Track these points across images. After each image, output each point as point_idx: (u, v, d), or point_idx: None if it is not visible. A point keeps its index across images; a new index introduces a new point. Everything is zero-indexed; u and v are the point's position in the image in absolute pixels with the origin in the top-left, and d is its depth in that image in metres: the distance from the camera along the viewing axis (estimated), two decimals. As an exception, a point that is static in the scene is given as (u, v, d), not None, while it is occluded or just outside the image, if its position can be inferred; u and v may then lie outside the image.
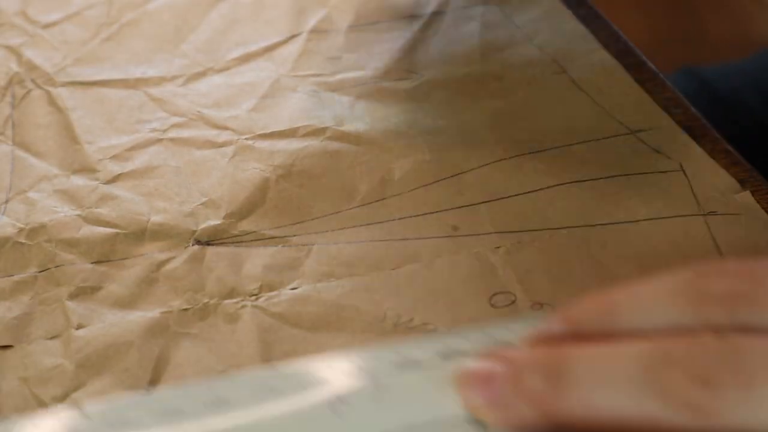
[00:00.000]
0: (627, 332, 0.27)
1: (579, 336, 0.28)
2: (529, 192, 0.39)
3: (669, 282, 0.27)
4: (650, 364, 0.26)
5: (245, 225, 0.38)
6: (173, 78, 0.46)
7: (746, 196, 0.38)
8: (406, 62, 0.47)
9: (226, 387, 0.28)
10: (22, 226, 0.38)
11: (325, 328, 0.35)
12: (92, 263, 0.37)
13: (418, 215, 0.39)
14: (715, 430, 0.25)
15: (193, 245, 0.38)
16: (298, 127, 0.42)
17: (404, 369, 0.29)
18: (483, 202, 0.39)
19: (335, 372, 0.29)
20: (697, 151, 0.41)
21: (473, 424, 0.28)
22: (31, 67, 0.46)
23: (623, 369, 0.26)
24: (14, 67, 0.46)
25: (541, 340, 0.29)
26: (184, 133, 0.43)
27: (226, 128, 0.43)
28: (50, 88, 0.45)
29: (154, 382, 0.33)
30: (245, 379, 0.29)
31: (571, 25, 0.48)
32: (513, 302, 0.35)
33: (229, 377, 0.29)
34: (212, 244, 0.38)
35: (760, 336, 0.25)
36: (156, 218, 0.38)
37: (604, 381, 0.26)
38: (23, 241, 0.38)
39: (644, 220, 0.38)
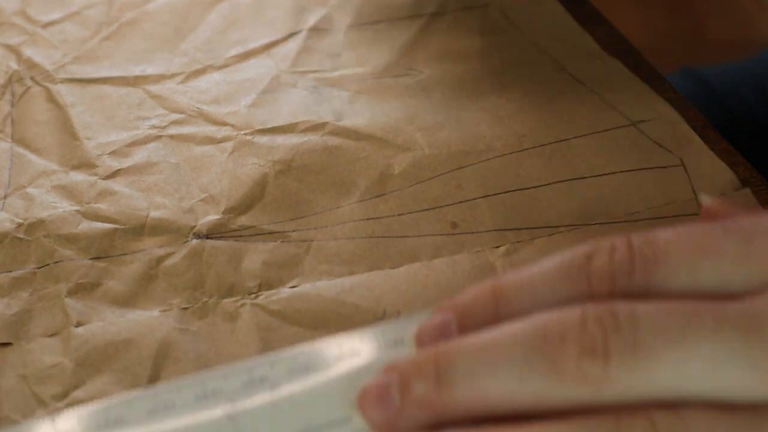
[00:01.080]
0: (517, 317, 0.27)
1: (467, 326, 0.28)
2: (528, 188, 0.39)
3: (557, 263, 0.27)
4: (533, 342, 0.26)
5: (244, 220, 0.38)
6: (173, 75, 0.46)
7: (746, 194, 0.38)
8: (406, 59, 0.47)
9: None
10: (20, 221, 0.38)
11: (325, 325, 0.35)
12: (91, 259, 0.37)
13: (417, 211, 0.39)
14: (609, 399, 0.25)
15: (191, 239, 0.37)
16: (298, 123, 0.42)
17: (298, 373, 0.30)
18: (482, 197, 0.39)
19: (230, 382, 0.29)
20: (697, 143, 0.40)
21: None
22: (31, 65, 0.46)
23: (506, 352, 0.26)
24: (14, 65, 0.46)
25: (429, 335, 0.28)
26: (184, 130, 0.43)
27: (225, 124, 0.43)
28: (49, 85, 0.45)
29: (153, 379, 0.32)
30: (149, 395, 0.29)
31: (571, 25, 0.48)
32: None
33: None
34: (211, 237, 0.37)
35: (642, 302, 0.25)
36: (155, 213, 0.38)
37: (488, 368, 0.26)
38: (22, 236, 0.38)
39: (644, 219, 0.38)
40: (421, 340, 0.29)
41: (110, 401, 0.29)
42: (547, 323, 0.26)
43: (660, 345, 0.25)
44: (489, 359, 0.26)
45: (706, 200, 0.32)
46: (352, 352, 0.31)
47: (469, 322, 0.28)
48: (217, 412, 0.29)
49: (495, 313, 0.28)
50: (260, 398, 0.29)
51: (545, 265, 0.28)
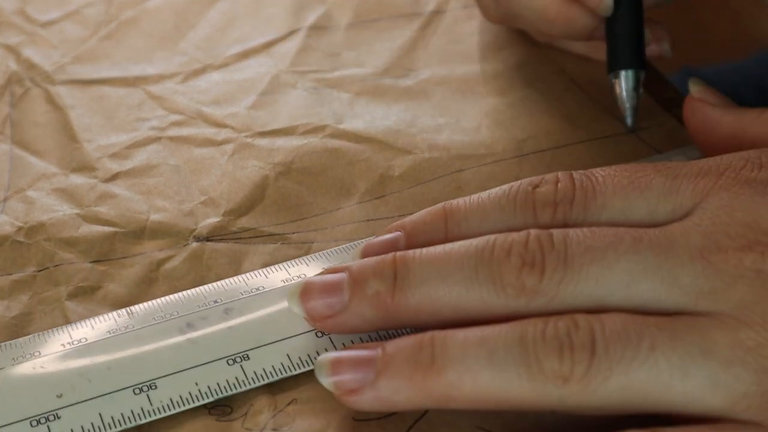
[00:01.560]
0: (464, 236, 0.30)
1: (414, 244, 0.31)
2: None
3: (506, 191, 0.31)
4: (482, 255, 0.29)
5: (244, 222, 0.38)
6: (172, 75, 0.46)
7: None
8: (406, 60, 0.47)
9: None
10: (20, 224, 0.38)
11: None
12: (91, 262, 0.37)
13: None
14: (541, 307, 0.28)
15: (192, 242, 0.37)
16: (298, 125, 0.42)
17: (250, 294, 0.34)
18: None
19: (185, 304, 0.33)
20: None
21: (318, 335, 0.32)
22: (30, 65, 0.46)
23: (457, 263, 0.29)
24: (13, 65, 0.46)
25: (379, 249, 0.31)
26: (184, 131, 0.43)
27: (225, 126, 0.43)
28: (49, 87, 0.45)
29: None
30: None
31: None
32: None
33: None
34: (211, 240, 0.37)
35: (580, 228, 0.29)
36: (155, 217, 0.38)
37: (440, 275, 0.29)
38: (22, 239, 0.37)
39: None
40: (368, 253, 0.32)
41: (75, 325, 0.33)
42: (495, 241, 0.29)
43: (585, 261, 0.28)
44: (442, 267, 0.29)
45: (695, 88, 0.37)
46: (299, 276, 0.34)
47: (417, 240, 0.31)
48: (174, 330, 0.32)
49: (444, 233, 0.31)
50: (215, 317, 0.33)
51: (495, 191, 0.31)
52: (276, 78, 0.45)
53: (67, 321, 0.34)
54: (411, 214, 0.38)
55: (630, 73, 0.40)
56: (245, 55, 0.47)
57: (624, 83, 0.40)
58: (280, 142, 0.42)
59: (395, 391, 0.28)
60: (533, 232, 0.29)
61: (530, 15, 0.41)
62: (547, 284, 0.28)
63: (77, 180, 0.40)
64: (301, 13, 0.49)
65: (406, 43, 0.48)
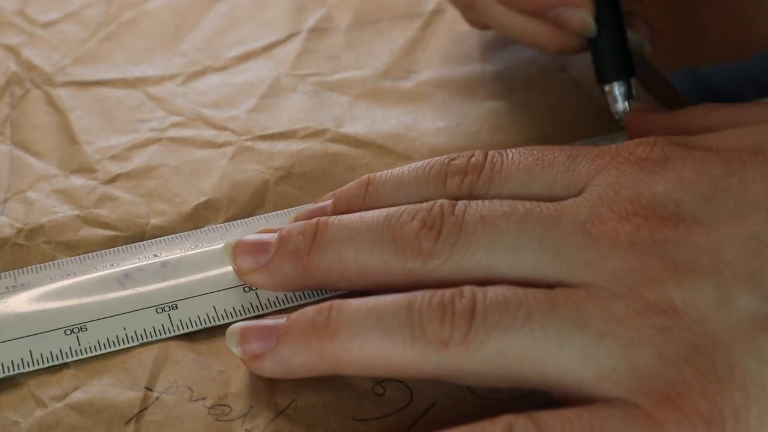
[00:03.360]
0: (383, 206, 0.33)
1: (339, 210, 0.34)
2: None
3: (426, 164, 0.34)
4: (388, 220, 0.31)
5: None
6: (172, 77, 0.46)
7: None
8: (406, 61, 0.47)
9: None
10: (20, 226, 0.38)
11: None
12: (91, 265, 0.37)
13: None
14: (435, 272, 0.30)
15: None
16: (298, 129, 0.42)
17: (189, 251, 0.36)
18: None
19: (127, 256, 0.36)
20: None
21: (245, 290, 0.34)
22: (30, 66, 0.46)
23: (367, 227, 0.31)
24: (13, 66, 0.46)
25: (307, 214, 0.34)
26: (183, 133, 0.43)
27: (225, 129, 0.43)
28: (49, 89, 0.45)
29: (152, 381, 0.32)
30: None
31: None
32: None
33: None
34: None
35: (482, 200, 0.31)
36: (155, 221, 0.38)
37: (350, 238, 0.31)
38: (22, 242, 0.38)
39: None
40: (299, 218, 0.34)
41: (22, 270, 0.36)
42: (404, 208, 0.31)
43: (479, 228, 0.30)
44: (354, 230, 0.31)
45: (635, 104, 0.40)
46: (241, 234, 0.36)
47: (341, 206, 0.34)
48: (111, 278, 0.35)
49: (364, 199, 0.34)
50: (152, 268, 0.35)
51: (415, 164, 0.34)
52: (276, 81, 0.45)
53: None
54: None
55: (621, 83, 0.40)
56: (245, 57, 0.47)
57: (617, 92, 0.40)
58: (281, 145, 0.42)
59: (293, 353, 0.30)
60: (439, 201, 0.31)
61: (523, 41, 0.42)
62: (441, 246, 0.30)
63: (77, 181, 0.40)
64: (301, 16, 0.49)
65: (406, 43, 0.48)
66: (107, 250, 0.36)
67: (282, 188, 0.40)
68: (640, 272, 0.28)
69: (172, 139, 0.42)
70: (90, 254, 0.36)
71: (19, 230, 0.38)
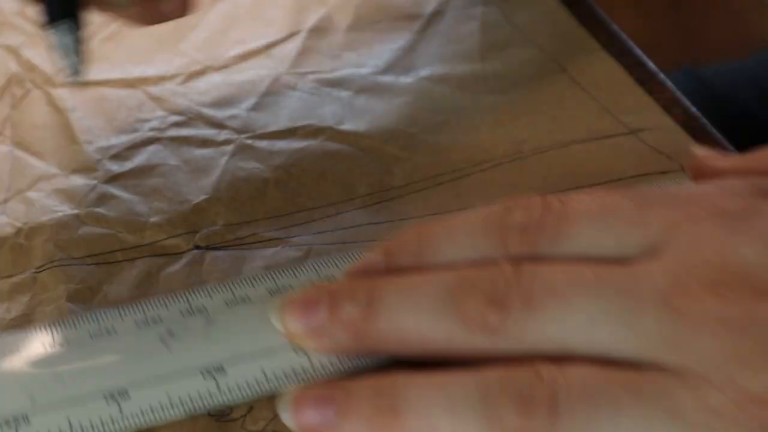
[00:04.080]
0: (439, 264, 0.30)
1: (395, 268, 0.31)
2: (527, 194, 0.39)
3: (480, 216, 0.30)
4: (450, 290, 0.28)
5: (244, 226, 0.38)
6: (172, 77, 0.46)
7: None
8: (407, 60, 0.47)
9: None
10: (20, 225, 0.38)
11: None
12: (91, 264, 0.37)
13: (417, 217, 0.39)
14: (504, 349, 0.28)
15: (193, 248, 0.37)
16: (298, 127, 0.42)
17: (234, 305, 0.33)
18: (482, 203, 0.39)
19: (170, 311, 0.33)
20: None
21: (295, 351, 0.31)
22: (30, 67, 0.46)
23: (427, 295, 0.29)
24: (13, 67, 0.46)
25: (360, 272, 0.31)
26: (183, 132, 0.43)
27: (225, 127, 0.43)
28: (49, 89, 0.45)
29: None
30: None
31: (571, 24, 0.48)
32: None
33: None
34: (212, 248, 0.37)
35: (549, 264, 0.28)
36: (155, 219, 0.38)
37: (410, 306, 0.29)
38: (22, 241, 0.38)
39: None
40: (351, 274, 0.32)
41: (56, 324, 0.33)
42: (465, 273, 0.29)
43: (548, 300, 0.27)
44: (413, 297, 0.29)
45: (698, 152, 0.35)
46: (287, 287, 0.34)
47: (394, 261, 0.31)
48: (154, 337, 0.32)
49: (418, 254, 0.31)
50: (196, 325, 0.32)
51: (469, 214, 0.31)
52: (276, 80, 0.45)
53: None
54: (411, 219, 0.38)
55: (65, 28, 0.37)
56: (245, 56, 0.47)
57: (62, 37, 0.37)
58: (281, 144, 0.42)
59: None
60: (501, 266, 0.28)
61: None
62: (510, 323, 0.27)
63: (77, 181, 0.40)
64: (301, 15, 0.49)
65: (406, 44, 0.48)
66: (148, 300, 0.33)
67: (282, 187, 0.40)
68: (736, 356, 0.25)
69: (172, 139, 0.42)
70: (129, 304, 0.33)
71: (19, 229, 0.38)
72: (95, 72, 0.46)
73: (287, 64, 0.46)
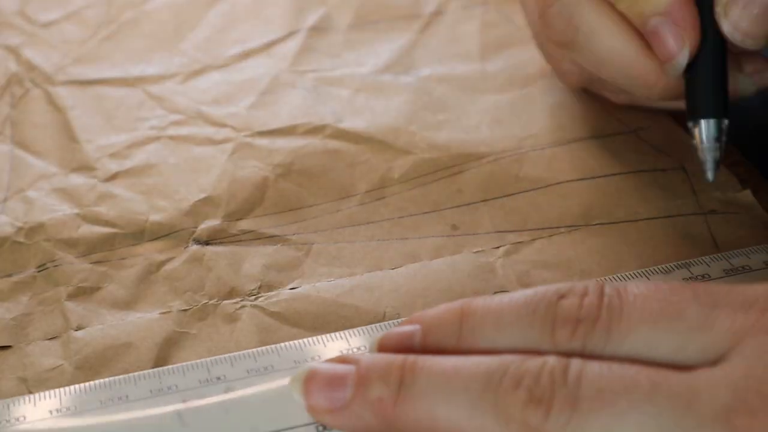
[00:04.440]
0: (480, 348, 0.28)
1: (432, 347, 0.29)
2: (528, 191, 0.39)
3: (529, 301, 0.28)
4: (490, 381, 0.26)
5: (244, 224, 0.38)
6: (172, 76, 0.46)
7: (747, 195, 0.38)
8: (407, 59, 0.47)
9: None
10: (20, 225, 0.38)
11: (324, 327, 0.35)
12: (91, 263, 0.37)
13: (417, 214, 0.39)
14: None
15: (192, 245, 0.37)
16: (297, 125, 0.42)
17: (257, 375, 0.31)
18: (482, 201, 0.39)
19: (188, 379, 0.31)
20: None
21: (317, 426, 0.29)
22: (30, 66, 0.46)
23: (464, 384, 0.27)
24: (13, 66, 0.46)
25: (393, 346, 0.29)
26: (183, 131, 0.43)
27: (225, 125, 0.43)
28: (49, 88, 0.45)
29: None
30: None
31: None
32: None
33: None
34: (211, 244, 0.37)
35: (600, 363, 0.26)
36: (155, 217, 0.38)
37: (445, 394, 0.27)
38: (22, 240, 0.38)
39: (643, 219, 0.38)
40: (383, 346, 0.30)
41: (67, 390, 0.31)
42: (508, 364, 0.27)
43: (595, 406, 0.25)
44: (449, 384, 0.27)
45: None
46: (314, 357, 0.31)
47: (432, 339, 0.29)
48: (168, 408, 0.30)
49: (458, 337, 0.29)
50: (214, 398, 0.30)
51: (517, 296, 0.28)
52: (276, 78, 0.45)
53: (67, 322, 0.34)
54: (411, 216, 0.38)
55: (711, 122, 0.35)
56: (245, 55, 0.47)
57: (705, 133, 0.36)
58: (280, 142, 0.42)
59: None
60: (548, 362, 0.26)
61: (626, 79, 0.37)
62: (552, 425, 0.25)
63: (77, 180, 0.40)
64: (301, 15, 0.49)
65: (406, 44, 0.48)
66: (165, 368, 0.31)
67: (281, 185, 0.40)
68: None
69: (171, 137, 0.42)
70: (146, 373, 0.31)
71: (19, 228, 0.38)
72: (95, 71, 0.46)
73: (287, 63, 0.46)
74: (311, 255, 0.37)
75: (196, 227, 0.38)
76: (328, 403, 0.28)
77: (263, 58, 0.47)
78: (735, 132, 0.38)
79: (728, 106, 0.36)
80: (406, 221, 0.38)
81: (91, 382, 0.31)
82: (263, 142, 0.42)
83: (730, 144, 0.41)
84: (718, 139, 0.35)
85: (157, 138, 0.42)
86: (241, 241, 0.38)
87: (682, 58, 0.35)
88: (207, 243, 0.37)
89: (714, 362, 0.25)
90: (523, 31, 0.47)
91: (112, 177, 0.40)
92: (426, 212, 0.39)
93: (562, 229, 0.38)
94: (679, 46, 0.35)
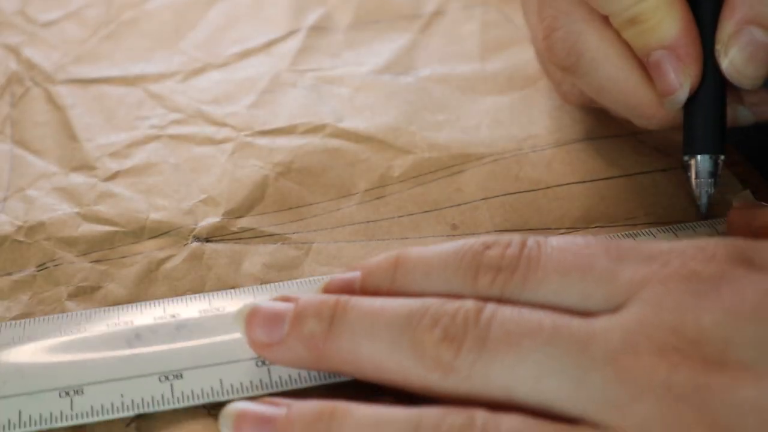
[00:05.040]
0: (410, 292, 0.30)
1: (369, 289, 0.31)
2: (528, 191, 0.39)
3: (458, 250, 0.30)
4: (410, 320, 0.28)
5: (244, 222, 0.38)
6: (172, 74, 0.46)
7: (747, 196, 0.38)
8: (407, 59, 0.47)
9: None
10: (20, 224, 0.38)
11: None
12: (91, 262, 0.37)
13: (417, 213, 0.39)
14: (451, 388, 0.27)
15: (192, 242, 0.37)
16: (297, 124, 0.42)
17: (208, 314, 0.33)
18: (482, 200, 0.39)
19: (144, 315, 0.33)
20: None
21: (257, 365, 0.31)
22: (30, 65, 0.46)
23: (387, 322, 0.29)
24: (13, 65, 0.46)
25: (335, 288, 0.31)
26: (183, 130, 0.43)
27: (225, 125, 0.43)
28: (49, 87, 0.45)
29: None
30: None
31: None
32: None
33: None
34: (211, 241, 0.37)
35: (512, 307, 0.28)
36: (155, 216, 0.38)
37: (369, 330, 0.29)
38: (22, 239, 0.37)
39: (643, 223, 0.38)
40: (327, 290, 0.32)
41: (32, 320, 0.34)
42: (428, 306, 0.28)
43: (502, 346, 0.27)
44: (374, 322, 0.29)
45: (736, 202, 0.35)
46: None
47: (369, 283, 0.31)
48: (121, 340, 0.32)
49: (392, 281, 0.31)
50: (165, 332, 0.33)
51: (448, 246, 0.30)
52: (276, 77, 0.45)
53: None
54: (411, 215, 0.38)
55: (707, 158, 0.36)
56: (245, 54, 0.47)
57: (700, 168, 0.36)
58: (281, 141, 0.42)
59: None
60: (465, 305, 0.28)
61: (625, 110, 0.38)
62: (461, 362, 0.27)
63: (77, 179, 0.40)
64: (301, 14, 0.49)
65: (406, 44, 0.48)
66: (126, 305, 0.34)
67: (282, 184, 0.40)
68: (674, 424, 0.25)
69: (171, 136, 0.42)
70: (106, 308, 0.34)
71: (19, 228, 0.38)
72: (95, 70, 0.46)
73: (287, 61, 0.46)
74: (311, 254, 0.37)
75: (196, 225, 0.38)
76: (267, 338, 0.30)
77: (263, 58, 0.47)
78: (734, 132, 0.38)
79: (725, 142, 0.36)
80: (406, 220, 0.38)
81: (51, 315, 0.34)
82: (263, 141, 0.42)
83: (730, 144, 0.41)
84: (712, 174, 0.36)
85: (158, 137, 0.42)
86: (241, 239, 0.38)
87: (683, 93, 0.35)
88: (207, 240, 0.37)
89: (612, 310, 0.27)
90: (523, 32, 0.47)
91: (113, 176, 0.40)
92: (426, 211, 0.39)
93: (562, 231, 0.38)
94: (680, 81, 0.35)
